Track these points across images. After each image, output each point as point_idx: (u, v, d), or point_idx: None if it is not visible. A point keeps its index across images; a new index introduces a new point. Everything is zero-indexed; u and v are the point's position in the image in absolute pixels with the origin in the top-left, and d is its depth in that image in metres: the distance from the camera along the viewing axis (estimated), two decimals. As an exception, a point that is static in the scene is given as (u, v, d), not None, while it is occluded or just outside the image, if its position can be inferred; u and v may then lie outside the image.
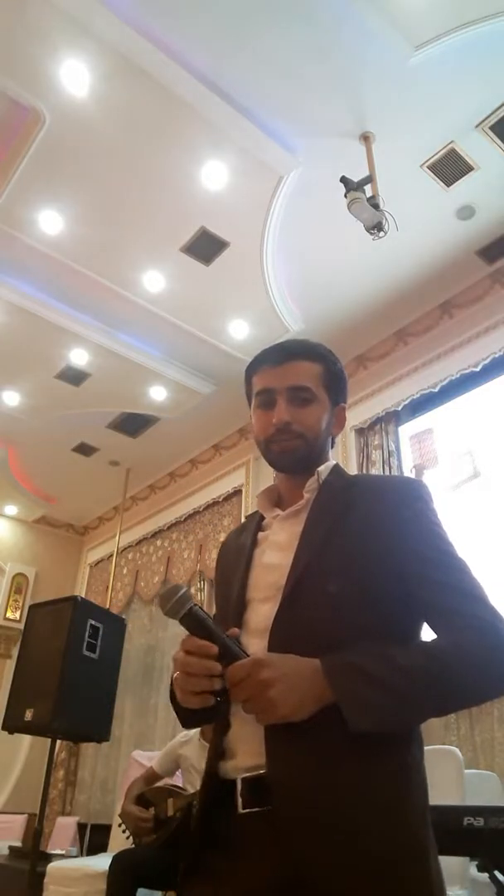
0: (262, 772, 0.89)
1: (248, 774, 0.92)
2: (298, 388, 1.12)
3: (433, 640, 0.95)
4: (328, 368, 1.17)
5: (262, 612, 1.00)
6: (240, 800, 0.91)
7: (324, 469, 1.13)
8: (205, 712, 0.94)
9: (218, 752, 0.98)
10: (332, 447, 1.22)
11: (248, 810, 0.90)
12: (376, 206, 3.13)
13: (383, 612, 0.96)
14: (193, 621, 0.88)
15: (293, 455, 1.12)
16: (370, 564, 0.98)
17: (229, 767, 0.96)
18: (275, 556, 1.07)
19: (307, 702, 0.86)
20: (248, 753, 0.93)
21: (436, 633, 0.96)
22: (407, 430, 4.56)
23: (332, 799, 0.84)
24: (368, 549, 0.99)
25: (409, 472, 4.41)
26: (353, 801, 0.84)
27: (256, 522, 1.18)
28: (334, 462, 1.17)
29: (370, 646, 0.90)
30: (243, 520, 5.49)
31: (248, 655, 0.89)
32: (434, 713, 0.93)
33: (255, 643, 0.97)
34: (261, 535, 1.14)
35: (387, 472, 4.34)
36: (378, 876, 0.80)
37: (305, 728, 0.86)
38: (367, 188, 3.17)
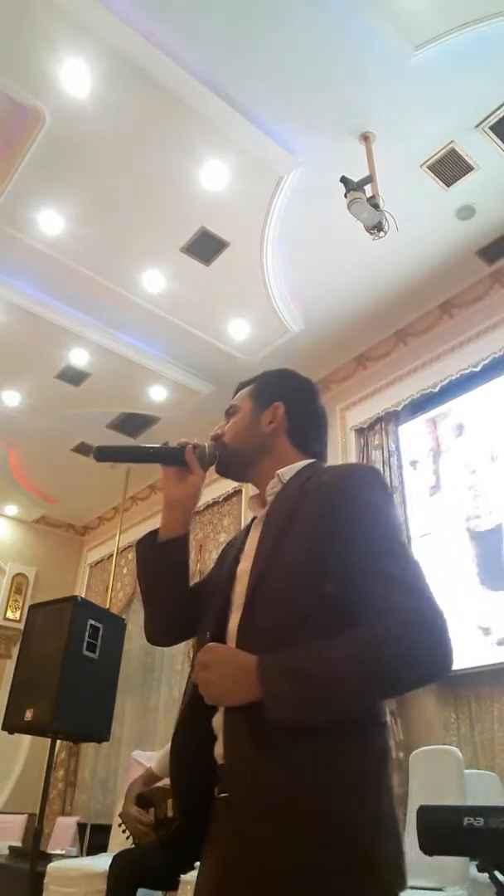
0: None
1: (222, 761, 0.98)
2: (228, 409, 1.29)
3: (362, 631, 0.95)
4: (257, 384, 1.29)
5: (236, 619, 1.04)
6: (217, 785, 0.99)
7: (287, 470, 1.15)
8: None
9: (212, 736, 1.03)
10: (296, 447, 1.20)
11: (220, 795, 0.98)
12: (376, 206, 3.13)
13: (330, 608, 0.97)
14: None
15: (220, 461, 1.23)
16: (313, 563, 0.99)
17: (216, 752, 1.01)
18: (245, 564, 1.11)
19: (238, 691, 0.93)
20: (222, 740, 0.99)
21: (368, 623, 0.96)
22: (407, 430, 4.55)
23: (273, 781, 0.89)
24: (312, 547, 1.01)
25: (407, 466, 4.40)
26: (294, 787, 0.87)
27: (249, 527, 1.21)
28: (307, 462, 1.18)
29: (315, 641, 0.94)
30: (243, 520, 5.50)
31: None
32: (362, 702, 0.95)
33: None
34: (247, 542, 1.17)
35: (387, 472, 4.34)
36: (317, 856, 0.84)
37: (257, 717, 0.90)
38: (367, 188, 3.17)
